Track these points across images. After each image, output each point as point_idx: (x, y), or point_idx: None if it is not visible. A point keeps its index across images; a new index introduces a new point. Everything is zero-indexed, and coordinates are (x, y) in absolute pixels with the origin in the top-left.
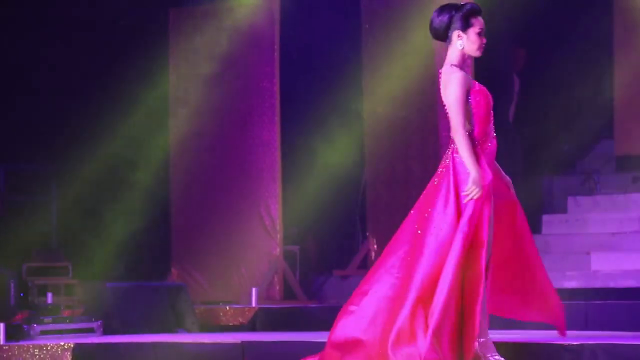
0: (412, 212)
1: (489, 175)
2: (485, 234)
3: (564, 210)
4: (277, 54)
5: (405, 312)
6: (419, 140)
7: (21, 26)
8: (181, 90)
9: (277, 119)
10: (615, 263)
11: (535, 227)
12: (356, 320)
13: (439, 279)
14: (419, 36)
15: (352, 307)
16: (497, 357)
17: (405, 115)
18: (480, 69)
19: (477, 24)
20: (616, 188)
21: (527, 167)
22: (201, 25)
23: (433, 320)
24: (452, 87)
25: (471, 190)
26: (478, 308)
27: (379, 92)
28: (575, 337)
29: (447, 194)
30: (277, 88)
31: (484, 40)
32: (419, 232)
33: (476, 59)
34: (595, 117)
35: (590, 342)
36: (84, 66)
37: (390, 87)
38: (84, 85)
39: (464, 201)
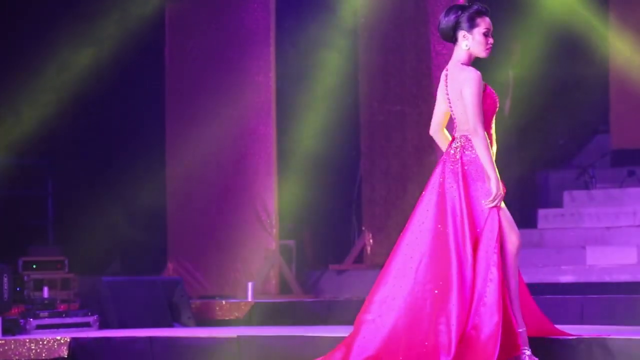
0: (419, 210)
1: (501, 184)
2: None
3: (559, 204)
4: (272, 48)
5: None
6: (415, 134)
7: (16, 19)
8: (177, 85)
9: (273, 113)
10: (611, 257)
11: (531, 221)
12: (382, 333)
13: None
14: (415, 30)
15: (371, 316)
16: (527, 352)
17: (400, 108)
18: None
19: (483, 24)
20: (611, 182)
21: (523, 162)
22: (197, 19)
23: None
24: (471, 86)
25: (495, 198)
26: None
27: (374, 86)
28: (570, 332)
29: (453, 201)
30: (272, 82)
31: (491, 41)
32: (431, 232)
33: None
34: (590, 112)
35: (585, 336)
36: (79, 61)
37: (386, 80)
38: (80, 80)
39: (487, 206)
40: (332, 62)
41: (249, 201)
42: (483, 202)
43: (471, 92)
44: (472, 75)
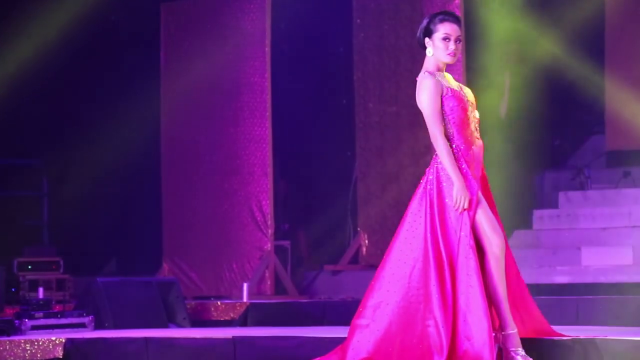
0: (408, 217)
1: (475, 185)
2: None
3: (555, 205)
4: (268, 49)
5: (442, 327)
6: (410, 135)
7: (11, 22)
8: (172, 86)
9: (269, 114)
10: (606, 258)
11: (526, 222)
12: (376, 337)
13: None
14: (410, 31)
15: (365, 321)
16: (521, 352)
17: (396, 110)
18: (471, 68)
19: (442, 29)
20: (607, 183)
21: (519, 163)
22: (192, 20)
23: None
24: (423, 94)
25: (458, 202)
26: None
27: (369, 87)
28: (566, 332)
29: (432, 206)
30: (268, 83)
31: (452, 46)
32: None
33: (468, 58)
34: (586, 113)
35: (581, 337)
36: (75, 61)
37: (381, 82)
38: (75, 81)
39: (458, 212)
40: (327, 63)
41: (244, 202)
42: (454, 206)
43: (424, 98)
44: (423, 83)
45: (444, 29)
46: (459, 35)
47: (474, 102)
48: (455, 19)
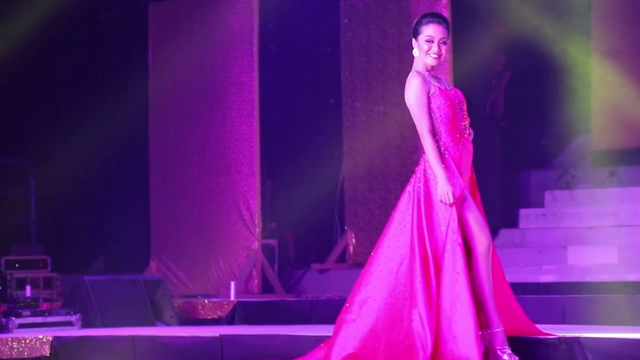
0: (397, 214)
1: (460, 182)
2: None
3: (541, 204)
4: (256, 48)
5: (426, 324)
6: (397, 134)
7: None
8: (160, 85)
9: (256, 113)
10: (592, 257)
11: (512, 221)
12: (362, 333)
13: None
14: (397, 31)
15: (352, 316)
16: (507, 350)
17: (383, 109)
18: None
19: (427, 31)
20: (593, 183)
21: (505, 162)
22: (180, 19)
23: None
24: (410, 92)
25: (442, 198)
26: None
27: (357, 86)
28: (552, 331)
29: (419, 203)
30: (256, 82)
31: (435, 48)
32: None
33: (456, 64)
34: (572, 112)
35: (567, 336)
36: (64, 62)
37: (369, 81)
38: (64, 80)
39: (444, 209)
40: (315, 63)
41: (231, 201)
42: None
43: (411, 96)
44: (411, 81)
45: (427, 31)
46: (444, 37)
47: (464, 103)
48: (441, 21)
